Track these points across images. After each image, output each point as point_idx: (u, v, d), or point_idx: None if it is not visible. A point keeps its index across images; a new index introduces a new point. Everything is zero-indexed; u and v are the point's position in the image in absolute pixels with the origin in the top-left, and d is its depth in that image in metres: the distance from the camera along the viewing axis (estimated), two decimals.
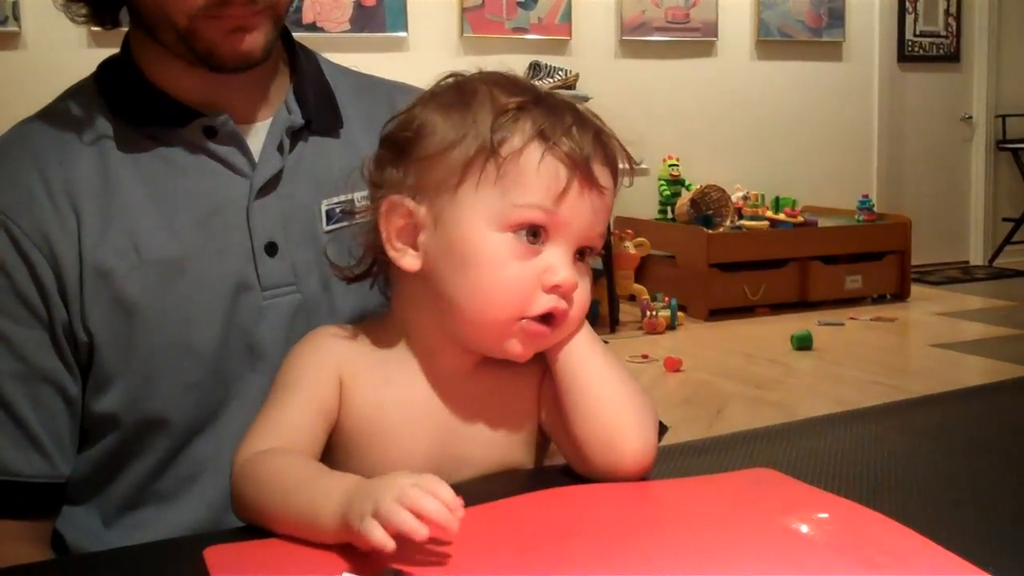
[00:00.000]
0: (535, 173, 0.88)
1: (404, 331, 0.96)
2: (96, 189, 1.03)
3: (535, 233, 0.89)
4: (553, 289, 0.89)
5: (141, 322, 1.02)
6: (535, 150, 0.88)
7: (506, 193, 0.88)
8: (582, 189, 0.89)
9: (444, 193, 0.89)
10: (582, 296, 0.92)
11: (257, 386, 1.03)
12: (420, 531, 0.72)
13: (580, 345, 0.94)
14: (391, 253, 0.92)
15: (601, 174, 0.91)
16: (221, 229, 1.06)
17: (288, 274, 1.08)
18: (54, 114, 1.08)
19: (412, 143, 0.91)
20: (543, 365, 0.96)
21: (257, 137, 1.09)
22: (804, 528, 0.80)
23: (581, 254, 0.92)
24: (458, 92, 0.92)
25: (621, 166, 0.93)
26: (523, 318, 0.89)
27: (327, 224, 1.10)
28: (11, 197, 1.01)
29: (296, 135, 1.11)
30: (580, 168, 0.88)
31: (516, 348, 0.91)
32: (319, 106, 1.13)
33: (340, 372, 0.94)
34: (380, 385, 0.94)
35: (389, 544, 0.72)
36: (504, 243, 0.88)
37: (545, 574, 0.74)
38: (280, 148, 1.09)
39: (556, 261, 0.89)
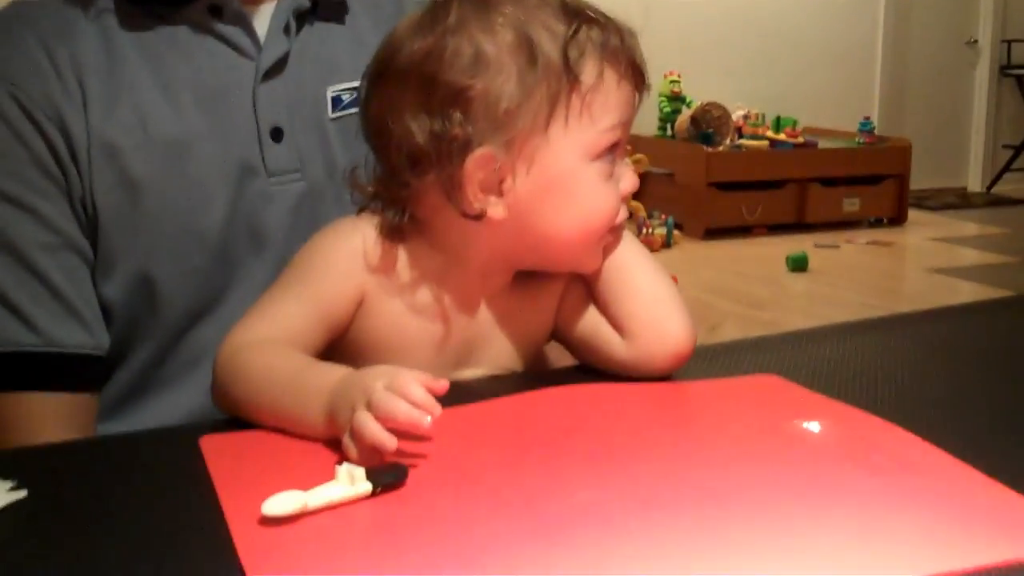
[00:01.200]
0: (616, 95, 0.88)
1: (446, 252, 0.91)
2: (101, 67, 1.01)
3: (613, 150, 0.90)
4: (625, 197, 0.92)
5: (146, 201, 1.00)
6: (610, 74, 0.88)
7: (595, 122, 0.87)
8: (638, 95, 0.91)
9: (534, 137, 0.86)
10: None
11: (261, 272, 1.02)
12: (388, 444, 0.71)
13: (627, 235, 0.96)
14: (475, 207, 0.86)
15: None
16: (226, 112, 1.04)
17: (293, 160, 1.06)
18: None
19: (473, 89, 0.84)
20: (563, 279, 0.97)
21: (262, 19, 1.07)
22: (807, 431, 0.80)
23: None
24: (492, 22, 0.86)
25: None
26: (611, 229, 0.92)
27: (333, 111, 1.09)
28: (19, 69, 0.99)
29: (302, 19, 1.09)
30: (642, 78, 0.91)
31: (598, 260, 0.94)
32: None
33: (364, 288, 0.91)
34: (405, 308, 0.92)
35: (391, 442, 0.71)
36: (598, 170, 0.89)
37: (546, 470, 0.74)
38: (287, 31, 1.07)
39: (624, 170, 0.92)
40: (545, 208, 0.88)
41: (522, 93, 0.84)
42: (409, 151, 0.86)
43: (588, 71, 0.86)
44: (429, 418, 0.72)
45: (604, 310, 0.95)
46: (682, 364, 0.94)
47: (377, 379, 0.75)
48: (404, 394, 0.73)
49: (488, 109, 0.84)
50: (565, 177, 0.87)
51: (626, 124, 0.90)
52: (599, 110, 0.87)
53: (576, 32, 0.86)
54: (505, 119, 0.85)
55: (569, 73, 0.85)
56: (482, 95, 0.84)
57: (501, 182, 0.87)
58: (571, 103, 0.86)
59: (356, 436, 0.73)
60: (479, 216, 0.87)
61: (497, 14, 0.86)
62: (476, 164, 0.85)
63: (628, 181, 0.92)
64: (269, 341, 0.86)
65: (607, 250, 0.94)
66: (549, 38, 0.85)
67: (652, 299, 0.94)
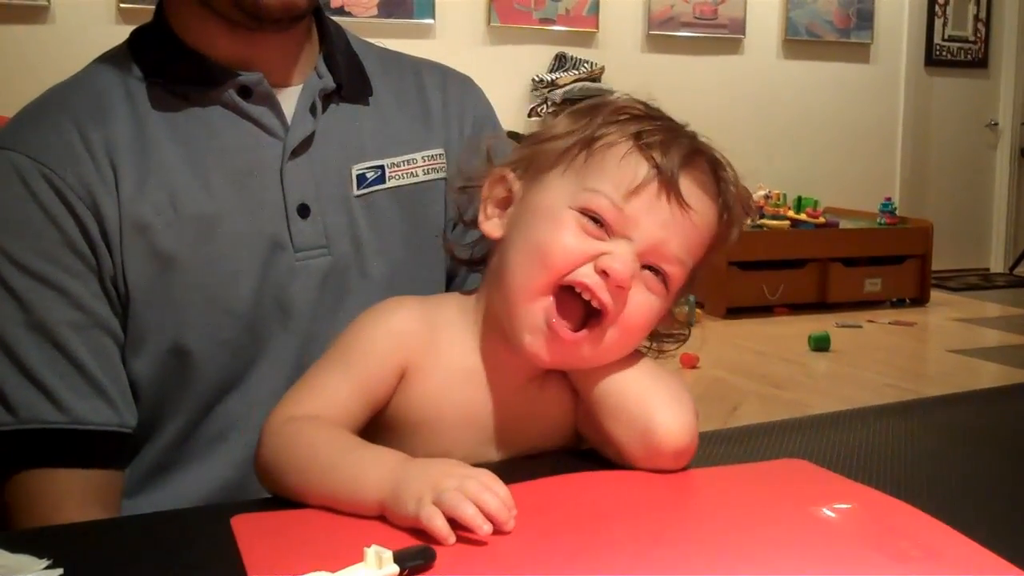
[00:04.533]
0: (616, 166, 0.89)
1: (481, 320, 0.95)
2: (133, 147, 1.04)
3: (598, 221, 0.88)
4: (603, 274, 0.87)
5: (177, 276, 1.03)
6: (624, 146, 0.89)
7: (584, 179, 0.90)
8: (659, 195, 0.88)
9: (540, 173, 0.92)
10: (637, 309, 0.89)
11: (287, 345, 1.04)
12: (484, 528, 0.74)
13: None
14: (481, 217, 0.96)
15: (689, 192, 0.89)
16: (255, 189, 1.07)
17: (320, 236, 1.09)
18: (89, 77, 1.09)
19: (535, 134, 0.97)
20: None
21: (289, 100, 1.10)
22: (836, 518, 0.80)
23: (649, 269, 0.90)
24: (595, 103, 0.95)
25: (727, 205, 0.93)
26: (560, 285, 0.88)
27: (357, 188, 1.12)
28: (54, 152, 1.02)
29: (327, 99, 1.12)
30: (662, 173, 0.88)
31: (534, 342, 0.89)
32: (349, 73, 1.15)
33: (406, 365, 0.93)
34: (444, 387, 0.94)
35: (451, 537, 0.73)
36: (571, 215, 0.89)
37: (575, 556, 0.74)
38: (312, 111, 1.10)
39: (618, 250, 0.87)
40: (517, 233, 0.92)
41: (551, 135, 0.93)
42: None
43: (607, 139, 0.90)
44: (488, 527, 0.74)
45: (593, 408, 0.93)
46: (685, 460, 0.90)
47: (462, 467, 0.78)
48: (492, 489, 0.76)
49: (526, 145, 0.96)
50: (540, 208, 0.91)
51: (618, 204, 0.87)
52: (592, 171, 0.90)
53: (633, 115, 0.92)
54: (530, 150, 0.94)
55: (594, 134, 0.90)
56: (532, 137, 0.97)
57: (508, 207, 0.94)
58: (577, 157, 0.91)
59: (447, 511, 0.74)
60: (487, 233, 0.95)
61: (599, 102, 0.95)
62: (493, 177, 0.96)
63: (615, 261, 0.86)
64: (320, 416, 0.88)
65: (553, 340, 0.88)
66: (608, 113, 0.93)
67: (631, 409, 0.90)
